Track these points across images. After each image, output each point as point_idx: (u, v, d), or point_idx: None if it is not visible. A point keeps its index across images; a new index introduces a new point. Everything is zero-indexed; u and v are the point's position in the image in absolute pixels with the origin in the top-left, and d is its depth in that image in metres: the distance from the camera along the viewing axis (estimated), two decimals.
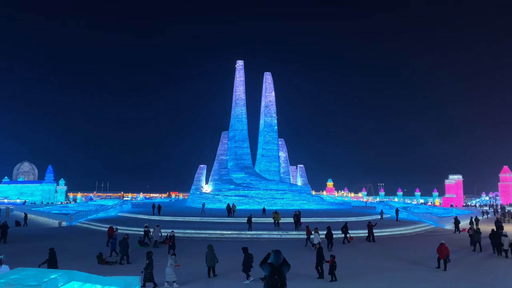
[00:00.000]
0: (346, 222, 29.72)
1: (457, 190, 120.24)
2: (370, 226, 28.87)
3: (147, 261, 15.10)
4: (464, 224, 41.93)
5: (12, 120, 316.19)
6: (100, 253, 19.36)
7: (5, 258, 12.42)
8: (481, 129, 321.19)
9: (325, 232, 25.09)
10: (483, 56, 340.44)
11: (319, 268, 16.51)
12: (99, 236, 29.76)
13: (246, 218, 32.49)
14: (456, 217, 38.74)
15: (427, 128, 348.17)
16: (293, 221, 33.33)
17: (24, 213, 43.48)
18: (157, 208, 45.76)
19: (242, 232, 30.77)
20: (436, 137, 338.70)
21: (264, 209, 43.64)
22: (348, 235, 27.35)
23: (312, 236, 25.10)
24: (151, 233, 25.93)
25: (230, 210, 44.30)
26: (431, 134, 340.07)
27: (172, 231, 23.34)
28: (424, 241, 29.41)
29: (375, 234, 29.24)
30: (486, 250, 24.36)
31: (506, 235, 23.59)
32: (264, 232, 30.90)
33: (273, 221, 34.74)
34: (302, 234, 30.56)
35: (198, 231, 30.93)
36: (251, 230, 30.66)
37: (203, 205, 50.60)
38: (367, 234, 28.83)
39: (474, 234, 25.44)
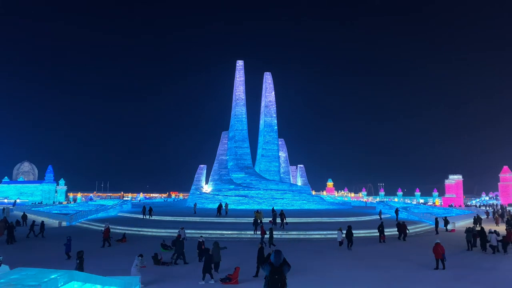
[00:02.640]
0: (382, 222, 31.06)
1: (457, 190, 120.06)
2: (403, 225, 30.05)
3: (78, 261, 14.87)
4: (467, 223, 41.93)
5: (12, 120, 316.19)
6: (156, 253, 19.46)
7: (5, 258, 12.42)
8: (481, 129, 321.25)
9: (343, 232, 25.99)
10: (483, 56, 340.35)
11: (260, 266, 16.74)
12: (100, 236, 29.67)
13: (244, 218, 32.52)
14: (436, 217, 37.42)
15: (427, 128, 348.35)
16: (279, 220, 33.99)
17: (24, 212, 43.55)
18: (148, 211, 42.83)
19: (242, 232, 30.78)
20: (436, 137, 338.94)
21: (273, 210, 42.86)
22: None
23: (335, 234, 25.62)
24: (183, 235, 24.27)
25: (220, 209, 44.88)
26: (431, 134, 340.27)
27: (201, 236, 21.66)
28: (424, 241, 29.41)
29: (374, 234, 29.28)
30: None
31: (492, 232, 24.31)
32: (254, 232, 30.88)
33: (254, 220, 35.22)
34: (302, 234, 30.64)
35: (199, 231, 30.88)
36: (256, 233, 30.46)
37: (195, 205, 51.19)
38: (397, 233, 30.22)
39: (466, 233, 25.71)
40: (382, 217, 45.31)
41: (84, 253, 15.52)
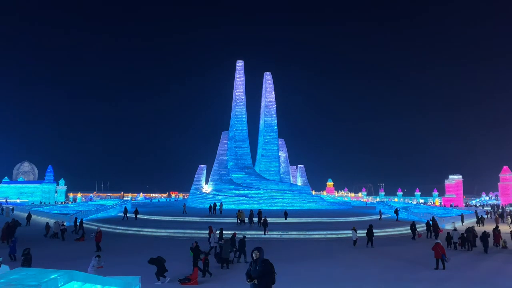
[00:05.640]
0: (413, 221, 33.19)
1: (457, 190, 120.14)
2: (434, 223, 32.19)
3: (23, 257, 14.64)
4: (467, 223, 41.92)
5: (12, 120, 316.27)
6: (217, 252, 19.68)
7: (4, 258, 12.42)
8: (481, 129, 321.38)
9: (365, 231, 27.09)
10: (483, 56, 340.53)
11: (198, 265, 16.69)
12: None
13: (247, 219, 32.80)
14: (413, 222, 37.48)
15: (427, 128, 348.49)
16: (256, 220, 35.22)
17: (29, 212, 43.73)
18: (133, 213, 41.81)
19: (242, 232, 30.72)
20: (436, 137, 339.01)
21: (286, 213, 40.86)
22: (416, 232, 30.89)
23: (335, 234, 25.38)
24: (214, 238, 23.82)
25: (211, 209, 46.44)
26: (431, 134, 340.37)
27: (233, 235, 21.94)
28: (424, 241, 29.44)
29: (376, 234, 29.31)
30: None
31: (455, 230, 26.72)
32: (263, 232, 30.93)
33: (236, 219, 36.97)
34: (302, 234, 30.67)
35: (198, 231, 30.95)
36: (266, 234, 30.32)
37: (184, 205, 50.89)
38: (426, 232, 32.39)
39: (466, 233, 26.12)
40: (382, 217, 45.39)
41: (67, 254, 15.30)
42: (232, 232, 24.15)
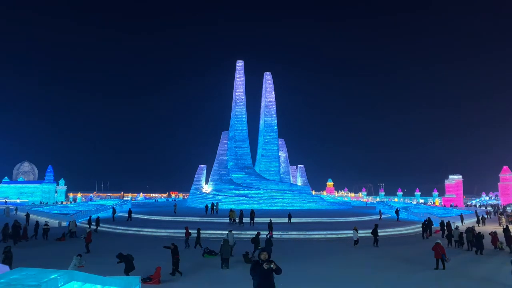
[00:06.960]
0: (425, 220, 33.39)
1: (457, 190, 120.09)
2: (447, 223, 33.07)
3: (3, 255, 14.70)
4: (467, 223, 41.88)
5: (12, 120, 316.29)
6: (247, 251, 20.03)
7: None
8: (481, 129, 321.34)
9: (368, 231, 27.97)
10: (483, 56, 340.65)
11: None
12: (99, 236, 29.70)
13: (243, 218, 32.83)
14: (424, 221, 36.44)
15: (427, 128, 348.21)
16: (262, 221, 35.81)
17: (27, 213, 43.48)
18: (127, 213, 41.38)
19: (243, 232, 30.80)
20: (436, 137, 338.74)
21: (290, 215, 39.11)
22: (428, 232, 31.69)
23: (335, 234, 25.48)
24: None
25: (207, 209, 47.46)
26: (431, 134, 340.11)
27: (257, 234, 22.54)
28: (424, 241, 29.45)
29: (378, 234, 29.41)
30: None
31: (456, 228, 27.74)
32: (264, 232, 30.89)
33: (228, 218, 37.52)
34: (302, 234, 30.66)
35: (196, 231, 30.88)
36: (272, 236, 30.34)
37: (175, 206, 51.07)
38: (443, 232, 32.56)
39: (466, 233, 26.08)
40: (382, 217, 45.39)
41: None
42: (228, 231, 24.30)
